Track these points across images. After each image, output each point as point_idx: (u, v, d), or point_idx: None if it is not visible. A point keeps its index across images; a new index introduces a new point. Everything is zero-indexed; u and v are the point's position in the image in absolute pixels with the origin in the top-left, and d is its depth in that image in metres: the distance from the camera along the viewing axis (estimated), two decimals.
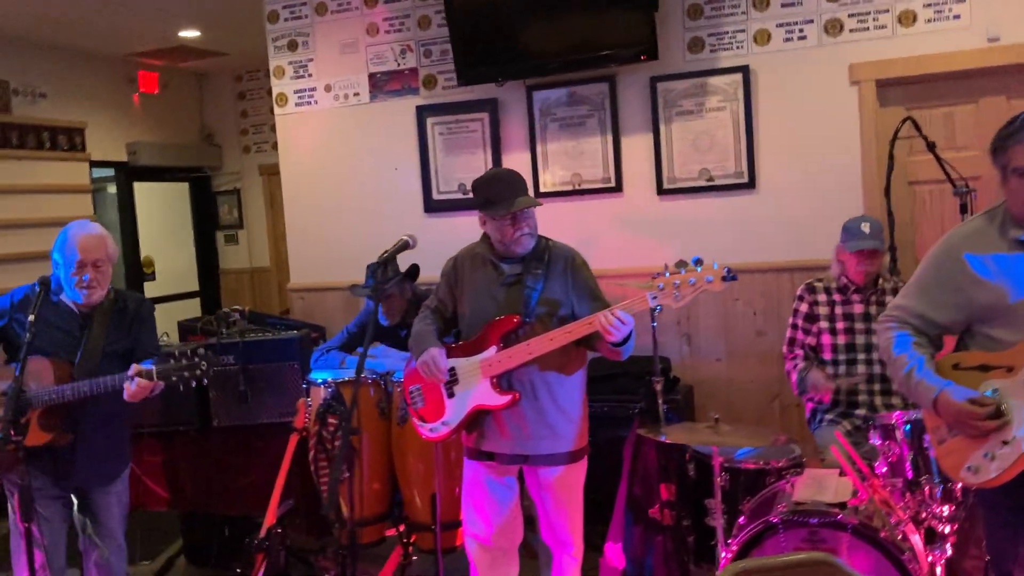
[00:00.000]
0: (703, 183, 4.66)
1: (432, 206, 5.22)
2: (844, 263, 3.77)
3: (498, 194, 3.11)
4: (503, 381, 3.09)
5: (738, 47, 4.56)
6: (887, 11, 4.29)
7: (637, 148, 4.79)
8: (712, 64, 4.60)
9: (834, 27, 4.38)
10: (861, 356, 3.77)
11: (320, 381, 3.95)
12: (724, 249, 4.64)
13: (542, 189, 4.96)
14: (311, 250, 5.54)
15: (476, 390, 3.11)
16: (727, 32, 4.57)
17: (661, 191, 4.75)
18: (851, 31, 4.36)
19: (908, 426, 2.99)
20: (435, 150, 5.19)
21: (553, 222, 4.81)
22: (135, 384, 3.06)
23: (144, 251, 8.12)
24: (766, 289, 4.61)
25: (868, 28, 4.33)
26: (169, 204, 8.60)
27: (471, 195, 3.34)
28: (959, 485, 2.88)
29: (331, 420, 3.84)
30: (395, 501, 4.07)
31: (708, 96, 4.61)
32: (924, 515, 2.94)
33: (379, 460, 3.96)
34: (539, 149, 4.96)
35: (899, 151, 4.40)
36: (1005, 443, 2.14)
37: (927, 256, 2.44)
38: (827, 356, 3.79)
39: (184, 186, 8.65)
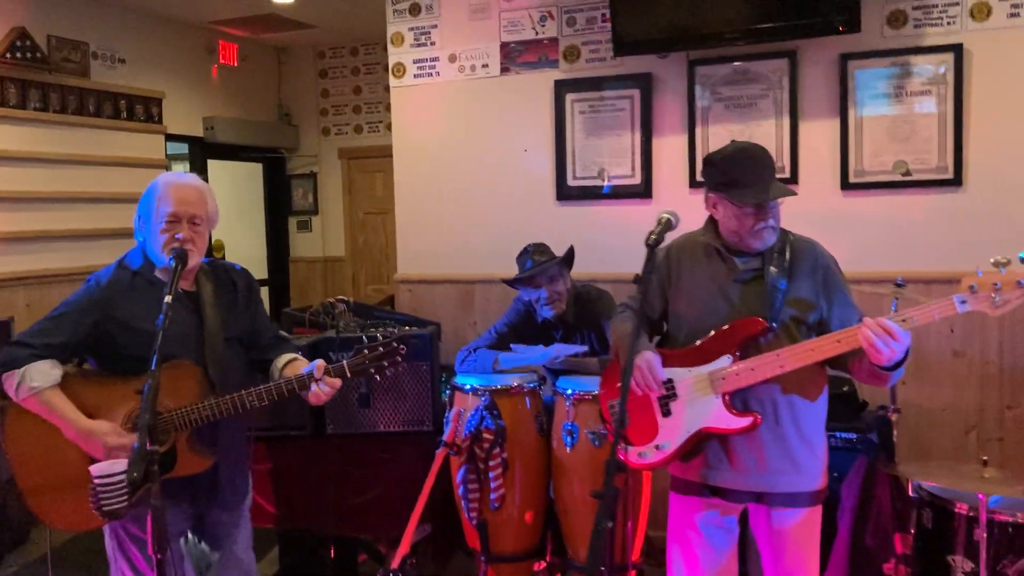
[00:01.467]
0: (898, 177, 4.03)
1: (566, 193, 4.62)
2: None
3: (747, 176, 2.51)
4: (736, 400, 2.48)
5: (950, 22, 3.92)
6: None
7: (819, 135, 4.15)
8: (916, 41, 3.96)
9: None
10: None
11: (469, 387, 3.36)
12: (920, 254, 4.03)
13: (699, 179, 4.34)
14: (423, 238, 4.94)
15: (703, 408, 2.50)
16: (936, 5, 3.93)
17: (846, 185, 4.11)
18: None
19: None
20: (573, 131, 4.58)
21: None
22: (324, 386, 2.47)
23: (215, 235, 7.58)
24: None
25: None
26: (241, 185, 8.08)
27: (707, 174, 2.71)
28: None
29: (486, 435, 3.24)
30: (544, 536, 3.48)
31: (911, 79, 3.97)
32: None
33: (534, 485, 3.37)
34: (699, 132, 4.34)
35: None
36: None
37: None
38: None
39: (258, 167, 8.12)
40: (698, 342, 2.55)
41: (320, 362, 2.51)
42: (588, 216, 4.58)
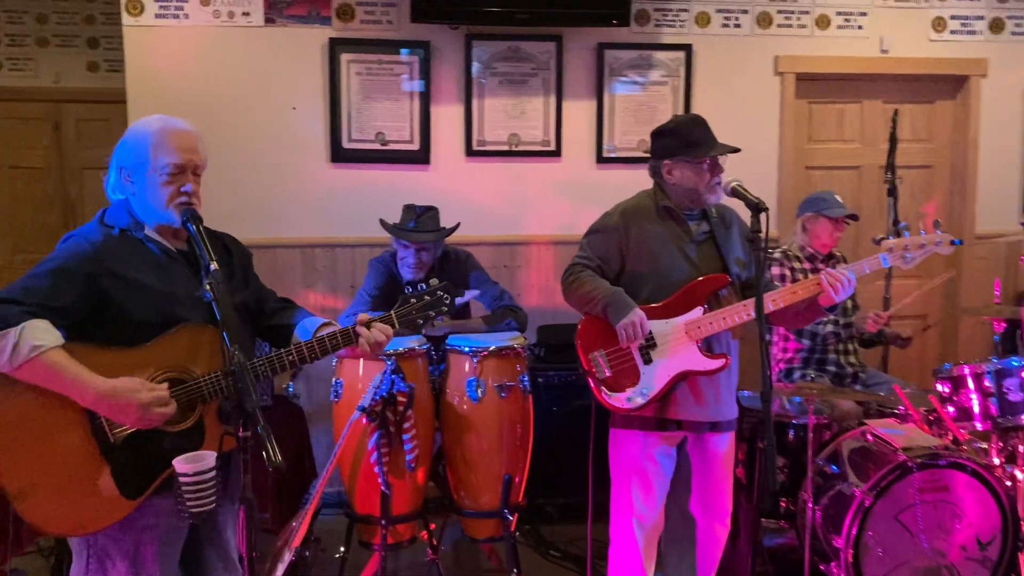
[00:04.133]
0: (641, 154, 4.77)
1: (341, 155, 4.55)
2: (814, 232, 4.14)
3: (703, 137, 2.95)
4: (704, 345, 2.95)
5: (680, 25, 4.74)
6: (808, 12, 4.82)
7: (579, 114, 4.72)
8: (656, 38, 4.72)
9: (764, 20, 4.79)
10: (831, 318, 4.23)
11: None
12: None
13: (475, 148, 4.63)
14: None
15: (681, 354, 2.91)
16: (671, 9, 4.72)
17: (600, 159, 4.75)
18: (778, 26, 4.80)
19: (983, 376, 3.51)
20: (349, 92, 4.52)
21: (487, 183, 4.58)
22: (378, 333, 2.30)
23: None
24: None
25: (792, 25, 4.81)
26: None
27: (654, 145, 3.09)
28: None
29: (400, 399, 3.24)
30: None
31: (653, 70, 4.72)
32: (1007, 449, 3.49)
33: (429, 444, 3.46)
34: (475, 104, 4.62)
35: (798, 139, 5.00)
36: None
37: None
38: None
39: None
40: (670, 298, 2.93)
41: (363, 315, 2.37)
42: (364, 179, 4.58)
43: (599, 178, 4.75)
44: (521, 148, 4.68)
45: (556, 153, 4.70)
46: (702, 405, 2.97)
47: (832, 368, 4.13)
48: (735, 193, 2.73)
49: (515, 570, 3.43)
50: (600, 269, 3.01)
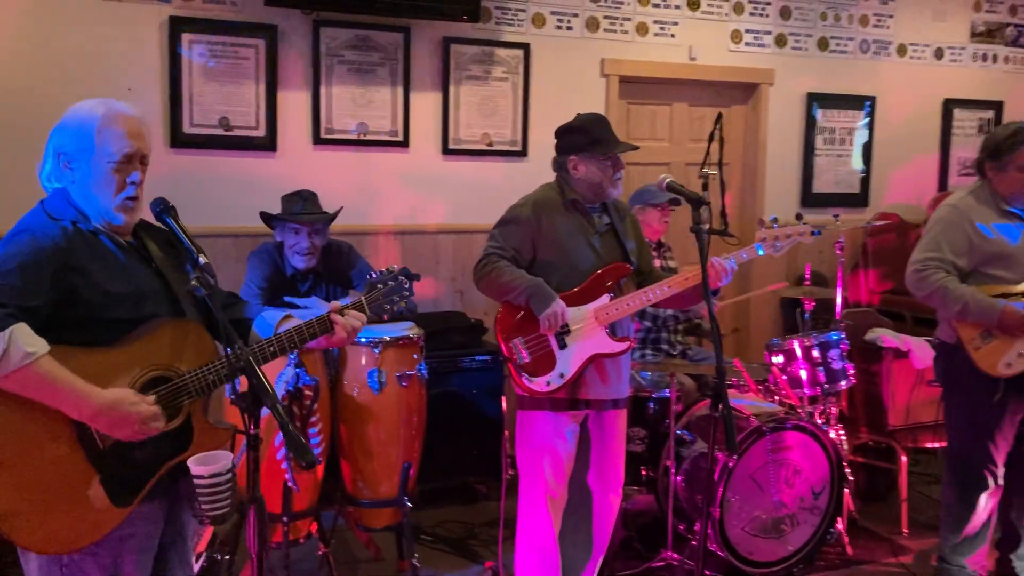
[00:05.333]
0: (484, 147, 4.93)
1: (181, 140, 4.31)
2: (646, 221, 4.50)
3: (607, 134, 3.18)
4: (611, 329, 3.17)
5: (519, 25, 4.94)
6: (630, 19, 5.20)
7: (426, 105, 4.78)
8: (498, 36, 4.89)
9: (593, 24, 5.11)
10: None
11: None
12: (500, 211, 4.99)
13: (323, 136, 4.57)
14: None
15: (591, 339, 3.12)
16: (511, 9, 4.91)
17: (446, 151, 4.85)
18: (604, 31, 5.15)
19: (811, 348, 4.05)
20: (191, 74, 4.29)
21: (336, 172, 4.57)
22: (354, 320, 2.27)
23: None
24: None
25: (616, 31, 5.17)
26: None
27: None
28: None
29: (307, 392, 3.20)
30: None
31: (495, 66, 4.89)
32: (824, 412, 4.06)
33: (327, 437, 3.43)
34: (323, 91, 4.55)
35: (620, 137, 5.38)
36: None
37: (940, 222, 3.47)
38: None
39: None
40: (580, 286, 3.12)
41: (335, 303, 2.35)
42: (207, 166, 4.37)
43: (445, 169, 4.86)
44: (369, 137, 4.67)
45: (404, 144, 4.75)
46: (607, 385, 3.21)
47: (665, 347, 4.54)
48: (671, 188, 2.96)
49: (414, 556, 3.50)
50: (514, 259, 3.15)
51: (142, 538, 2.10)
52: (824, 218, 3.63)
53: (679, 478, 3.90)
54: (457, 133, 4.86)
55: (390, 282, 2.42)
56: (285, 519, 3.27)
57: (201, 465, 1.89)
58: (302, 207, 3.63)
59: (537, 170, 4.95)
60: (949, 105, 6.20)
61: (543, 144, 5.02)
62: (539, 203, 3.22)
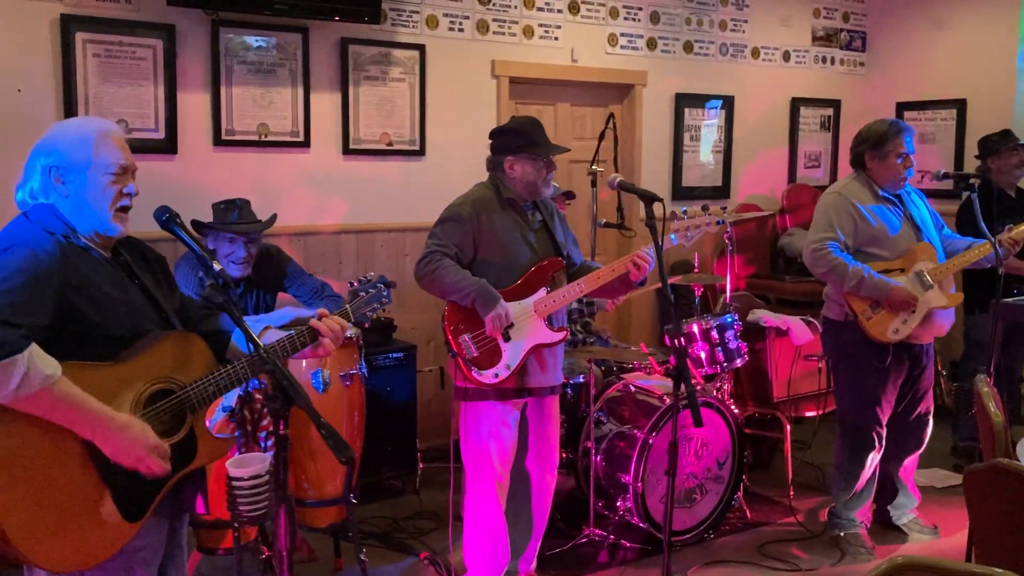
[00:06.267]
0: (384, 147, 4.99)
1: None
2: None
3: (541, 136, 3.36)
4: (548, 320, 3.36)
5: (414, 26, 5.03)
6: (517, 22, 5.39)
7: (326, 105, 4.79)
8: (394, 36, 4.96)
9: (483, 26, 5.26)
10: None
11: None
12: (399, 210, 5.08)
13: (224, 137, 4.50)
14: None
15: (532, 331, 3.29)
16: (405, 10, 4.99)
17: (347, 151, 4.87)
18: (494, 33, 5.31)
19: (710, 331, 4.38)
20: (86, 75, 4.13)
21: (236, 174, 4.54)
22: (337, 325, 2.34)
23: None
24: None
25: (505, 33, 5.35)
26: None
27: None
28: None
29: (258, 397, 3.20)
30: None
31: (392, 67, 4.95)
32: (719, 388, 4.41)
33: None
34: (223, 92, 4.48)
35: None
36: (912, 312, 3.76)
37: (828, 206, 3.86)
38: None
39: None
40: (519, 281, 3.28)
41: (322, 309, 2.41)
42: None
43: (346, 169, 4.89)
44: (270, 138, 4.64)
45: (305, 144, 4.74)
46: (546, 372, 3.40)
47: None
48: (623, 187, 3.16)
49: (362, 551, 3.56)
50: (456, 256, 3.27)
51: (151, 550, 2.11)
52: (714, 208, 3.93)
53: (599, 458, 4.14)
54: (357, 133, 4.90)
55: (371, 290, 2.52)
56: (236, 524, 3.26)
57: (239, 468, 1.93)
58: (238, 215, 3.60)
59: (435, 169, 5.09)
60: (796, 103, 6.77)
61: (440, 143, 5.16)
62: (478, 202, 3.35)
